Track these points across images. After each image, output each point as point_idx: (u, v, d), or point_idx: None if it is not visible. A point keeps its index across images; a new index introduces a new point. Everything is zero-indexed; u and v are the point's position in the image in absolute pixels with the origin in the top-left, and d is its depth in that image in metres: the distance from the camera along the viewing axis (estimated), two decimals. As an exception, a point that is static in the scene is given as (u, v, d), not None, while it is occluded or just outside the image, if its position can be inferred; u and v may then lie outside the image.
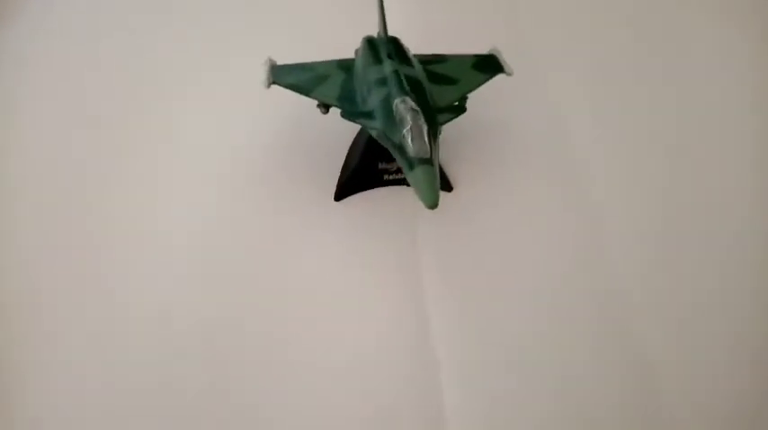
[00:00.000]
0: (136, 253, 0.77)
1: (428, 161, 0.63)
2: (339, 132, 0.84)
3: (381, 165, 0.81)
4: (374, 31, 0.81)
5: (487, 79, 0.77)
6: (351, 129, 0.84)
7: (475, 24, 1.01)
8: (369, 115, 0.69)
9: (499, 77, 0.78)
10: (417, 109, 0.65)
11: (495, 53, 0.80)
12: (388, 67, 0.73)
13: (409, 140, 0.63)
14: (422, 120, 0.64)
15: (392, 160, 0.81)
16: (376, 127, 0.68)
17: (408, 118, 0.64)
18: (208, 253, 0.76)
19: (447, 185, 0.81)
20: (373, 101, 0.70)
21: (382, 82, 0.71)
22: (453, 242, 0.77)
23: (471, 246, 0.76)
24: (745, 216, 0.79)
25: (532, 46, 0.98)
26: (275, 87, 0.75)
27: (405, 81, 0.70)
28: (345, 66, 0.78)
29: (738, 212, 0.79)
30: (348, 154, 0.83)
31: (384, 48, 0.76)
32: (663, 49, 1.00)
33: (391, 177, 0.81)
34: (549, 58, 0.97)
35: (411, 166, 0.63)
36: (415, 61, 0.76)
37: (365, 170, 0.81)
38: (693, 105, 0.91)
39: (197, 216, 0.80)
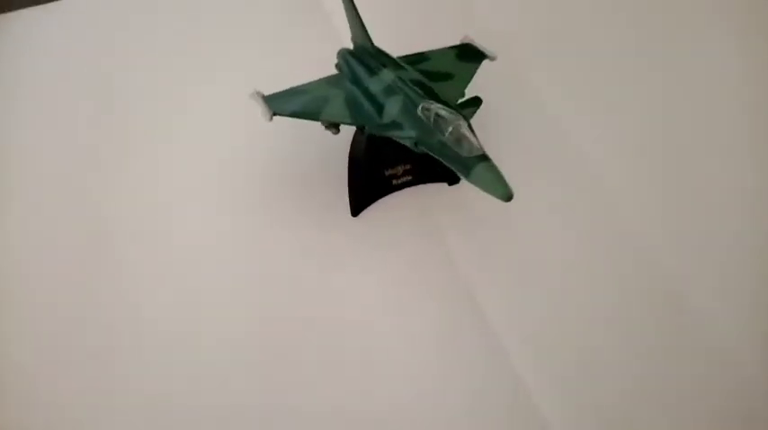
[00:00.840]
0: (150, 276, 0.77)
1: (484, 157, 0.62)
2: (333, 146, 0.84)
3: (388, 172, 0.82)
4: (340, 41, 0.82)
5: (476, 68, 0.78)
6: (344, 142, 0.84)
7: (438, 20, 1.02)
8: (397, 126, 0.69)
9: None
10: (450, 109, 0.65)
11: (468, 41, 0.82)
12: (387, 75, 0.73)
13: (456, 142, 0.63)
14: (460, 119, 0.64)
15: (396, 165, 0.82)
16: (410, 136, 0.68)
17: (446, 120, 0.64)
18: (226, 281, 0.76)
19: (452, 177, 0.83)
20: (391, 111, 0.70)
21: (389, 91, 0.71)
22: (479, 233, 0.78)
23: (497, 232, 0.78)
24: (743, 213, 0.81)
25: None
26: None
27: (414, 86, 0.70)
28: (336, 82, 0.77)
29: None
30: (350, 167, 0.83)
31: (372, 56, 0.76)
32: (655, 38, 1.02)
33: (400, 181, 0.82)
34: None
35: (468, 167, 0.63)
36: (404, 64, 0.77)
37: (374, 180, 0.81)
38: (692, 96, 0.93)
39: (210, 241, 0.80)
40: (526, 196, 0.71)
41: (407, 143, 0.69)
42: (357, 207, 0.80)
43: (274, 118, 0.73)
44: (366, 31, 0.77)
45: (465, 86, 0.76)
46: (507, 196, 0.61)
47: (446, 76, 0.76)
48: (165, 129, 0.92)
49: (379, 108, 0.71)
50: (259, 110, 0.73)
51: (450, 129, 0.64)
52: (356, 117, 0.73)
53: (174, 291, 0.75)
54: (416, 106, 0.67)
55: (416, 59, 0.79)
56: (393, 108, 0.70)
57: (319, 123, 0.75)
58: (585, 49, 0.99)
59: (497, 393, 0.67)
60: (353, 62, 0.78)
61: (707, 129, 0.89)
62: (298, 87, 0.77)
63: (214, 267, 0.77)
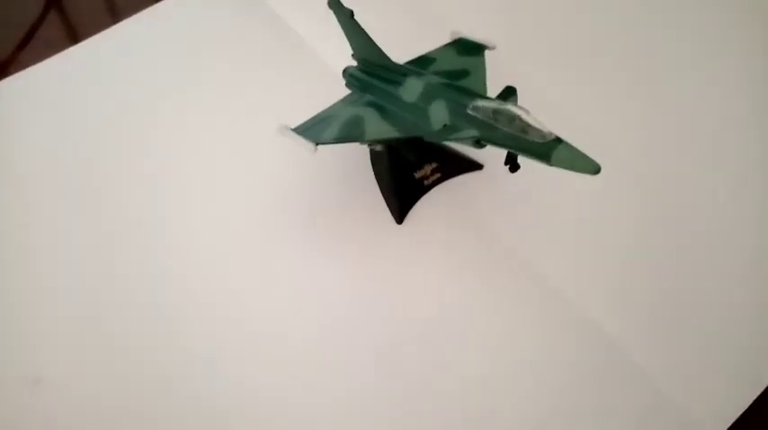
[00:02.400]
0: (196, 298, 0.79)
1: (559, 139, 0.64)
2: (353, 164, 0.87)
3: (417, 175, 0.85)
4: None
5: (483, 60, 0.82)
6: (361, 157, 0.87)
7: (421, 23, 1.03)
8: (453, 129, 0.70)
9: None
10: (502, 102, 0.67)
11: (459, 36, 0.85)
12: (415, 83, 0.75)
13: (523, 132, 0.64)
14: (519, 109, 0.65)
15: (422, 166, 0.85)
16: (471, 136, 0.69)
17: (506, 112, 0.65)
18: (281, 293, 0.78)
19: (476, 164, 0.87)
20: (439, 116, 0.72)
21: (427, 98, 0.73)
22: (520, 210, 0.83)
23: (536, 205, 0.83)
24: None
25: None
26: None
27: (448, 88, 0.73)
28: (358, 101, 0.79)
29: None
30: (379, 180, 0.85)
31: (386, 68, 0.79)
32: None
33: (431, 181, 0.85)
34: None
35: (547, 152, 0.63)
36: (420, 70, 0.79)
37: (407, 185, 0.84)
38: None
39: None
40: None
41: (468, 143, 0.71)
42: (401, 214, 0.83)
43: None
44: (375, 45, 0.79)
45: (485, 79, 0.79)
46: (596, 169, 0.61)
47: (463, 73, 0.79)
48: (202, 181, 0.90)
49: (424, 116, 0.73)
50: (297, 144, 0.74)
51: (514, 120, 0.65)
52: (404, 130, 0.74)
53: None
54: (465, 106, 0.69)
55: (423, 63, 0.82)
56: (439, 113, 0.72)
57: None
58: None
59: (591, 353, 0.73)
60: (368, 77, 0.80)
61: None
62: (322, 114, 0.78)
63: (299, 294, 0.79)
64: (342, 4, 0.78)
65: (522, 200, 0.84)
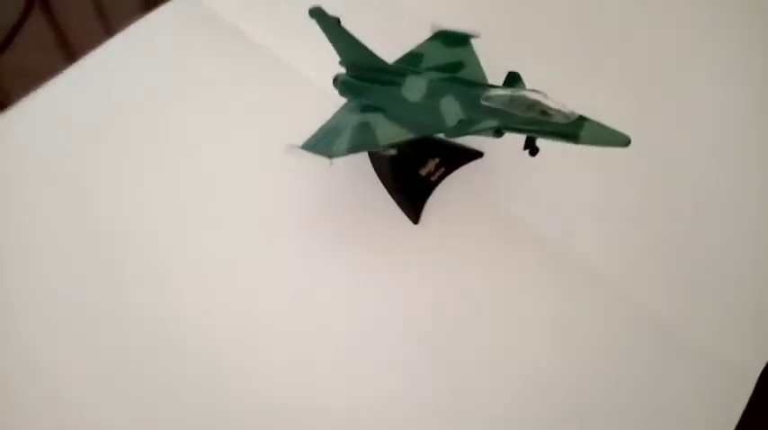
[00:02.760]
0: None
1: (583, 117, 0.63)
2: (354, 170, 0.86)
3: (423, 172, 0.84)
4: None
5: (472, 49, 0.81)
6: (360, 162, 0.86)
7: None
8: (470, 122, 0.70)
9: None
10: (515, 89, 0.67)
11: (439, 28, 0.84)
12: (417, 81, 0.74)
13: (545, 114, 0.64)
14: (535, 94, 0.65)
15: (425, 163, 0.85)
16: (491, 126, 0.68)
17: (523, 99, 0.65)
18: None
19: (477, 153, 0.87)
20: (452, 111, 0.71)
21: (434, 94, 0.72)
22: (536, 188, 0.85)
23: (548, 182, 0.85)
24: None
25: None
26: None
27: (452, 82, 0.72)
28: (358, 107, 0.78)
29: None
30: (386, 183, 0.84)
31: (379, 70, 0.77)
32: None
33: (436, 176, 0.85)
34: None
35: (574, 132, 0.63)
36: (414, 68, 0.78)
37: (415, 184, 0.84)
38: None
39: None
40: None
41: (488, 134, 0.70)
42: (416, 214, 0.83)
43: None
44: (365, 48, 0.78)
45: (481, 68, 0.78)
46: (627, 141, 0.61)
47: (458, 65, 0.79)
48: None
49: (435, 113, 0.72)
50: (309, 160, 0.72)
51: (534, 106, 0.65)
52: (417, 130, 0.73)
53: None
54: (477, 97, 0.69)
55: (413, 60, 0.81)
56: (452, 108, 0.71)
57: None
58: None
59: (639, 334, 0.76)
60: (362, 82, 0.78)
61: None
62: (326, 126, 0.76)
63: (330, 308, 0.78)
64: (326, 13, 0.76)
65: (528, 181, 0.85)
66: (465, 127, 0.70)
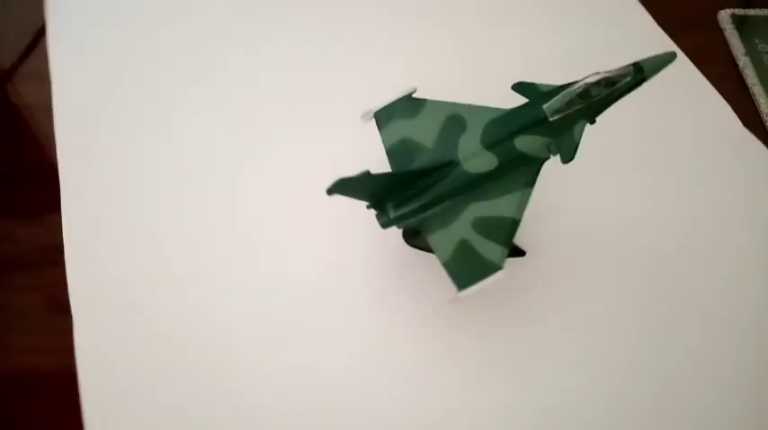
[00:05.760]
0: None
1: (634, 63, 0.68)
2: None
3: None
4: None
5: (443, 105, 0.74)
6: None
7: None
8: (566, 138, 0.68)
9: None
10: (574, 84, 0.67)
11: (372, 113, 0.75)
12: (473, 161, 0.69)
13: (615, 83, 0.67)
14: (595, 75, 0.67)
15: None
16: (583, 123, 0.68)
17: (589, 86, 0.66)
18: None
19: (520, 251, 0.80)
20: (535, 147, 0.68)
21: (504, 152, 0.68)
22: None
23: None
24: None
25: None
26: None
27: (501, 127, 0.69)
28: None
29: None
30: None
31: (419, 174, 0.70)
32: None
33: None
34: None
35: (640, 78, 0.67)
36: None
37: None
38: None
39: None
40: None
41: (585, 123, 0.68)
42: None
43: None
44: (392, 174, 0.71)
45: (482, 107, 0.72)
46: (674, 54, 0.67)
47: (461, 122, 0.71)
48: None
49: (519, 161, 0.68)
50: None
51: (598, 84, 0.66)
52: (520, 183, 0.69)
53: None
54: (544, 119, 0.67)
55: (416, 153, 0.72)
56: (531, 144, 0.68)
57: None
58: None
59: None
60: (415, 206, 0.70)
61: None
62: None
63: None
64: (345, 188, 0.65)
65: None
66: (567, 146, 0.68)
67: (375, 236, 0.74)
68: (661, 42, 1.02)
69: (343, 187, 0.64)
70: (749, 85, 1.03)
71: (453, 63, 0.97)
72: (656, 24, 1.06)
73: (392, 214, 0.70)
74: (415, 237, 0.77)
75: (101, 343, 0.72)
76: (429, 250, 0.71)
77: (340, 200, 0.67)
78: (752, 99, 1.01)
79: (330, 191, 0.64)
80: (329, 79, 0.97)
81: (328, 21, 1.05)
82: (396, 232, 0.75)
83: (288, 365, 0.72)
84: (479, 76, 0.90)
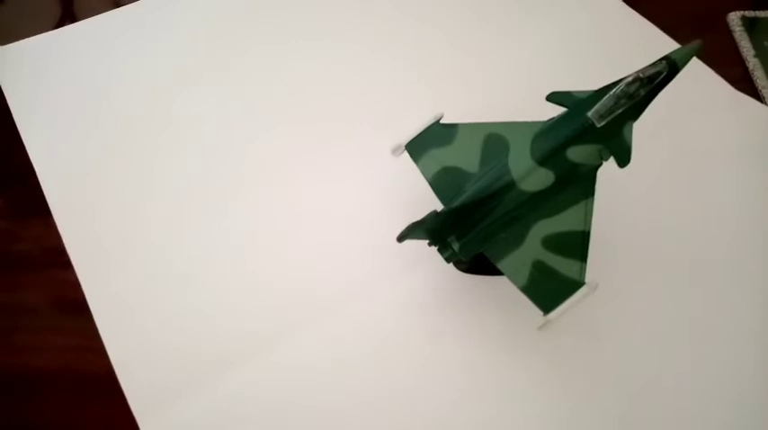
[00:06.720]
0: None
1: (665, 57, 0.69)
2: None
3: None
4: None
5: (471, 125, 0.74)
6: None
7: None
8: (618, 142, 0.67)
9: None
10: (613, 87, 0.67)
11: (403, 146, 0.75)
12: (529, 180, 0.67)
13: (653, 79, 0.67)
14: (630, 76, 0.67)
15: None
16: (631, 123, 0.68)
17: (628, 88, 0.66)
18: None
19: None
20: (589, 158, 0.67)
21: (558, 166, 0.67)
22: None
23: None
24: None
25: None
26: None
27: (549, 139, 0.68)
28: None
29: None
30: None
31: (478, 203, 0.68)
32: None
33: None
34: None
35: (674, 69, 0.68)
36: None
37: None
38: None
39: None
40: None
41: (632, 124, 0.68)
42: None
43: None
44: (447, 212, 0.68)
45: (524, 123, 0.71)
46: (700, 44, 0.68)
47: (504, 142, 0.70)
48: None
49: (577, 177, 0.67)
50: None
51: (635, 82, 0.66)
52: (582, 192, 0.68)
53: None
54: (592, 127, 0.65)
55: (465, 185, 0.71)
56: (585, 154, 0.66)
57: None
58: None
59: None
60: (479, 230, 0.68)
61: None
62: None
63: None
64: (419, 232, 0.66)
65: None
66: (622, 150, 0.67)
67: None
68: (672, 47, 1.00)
69: (412, 231, 0.63)
70: (759, 87, 1.02)
71: (470, 83, 0.97)
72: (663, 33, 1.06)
73: (456, 247, 0.67)
74: (464, 262, 0.74)
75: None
76: (482, 273, 0.69)
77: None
78: (762, 101, 1.01)
79: (401, 238, 0.63)
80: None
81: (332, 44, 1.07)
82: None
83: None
84: (495, 94, 0.91)
